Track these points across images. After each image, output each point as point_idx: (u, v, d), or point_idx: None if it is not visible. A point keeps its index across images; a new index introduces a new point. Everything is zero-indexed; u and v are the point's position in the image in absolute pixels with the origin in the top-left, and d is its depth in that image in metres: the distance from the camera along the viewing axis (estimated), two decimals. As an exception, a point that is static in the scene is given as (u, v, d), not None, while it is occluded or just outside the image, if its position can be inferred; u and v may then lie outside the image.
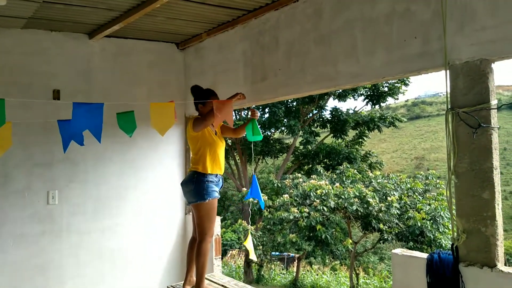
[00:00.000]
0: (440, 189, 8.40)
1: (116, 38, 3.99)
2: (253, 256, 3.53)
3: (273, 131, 14.49)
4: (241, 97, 3.23)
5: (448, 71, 2.20)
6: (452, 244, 2.17)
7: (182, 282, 3.30)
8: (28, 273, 3.54)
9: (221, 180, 3.12)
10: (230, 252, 16.21)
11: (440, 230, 7.51)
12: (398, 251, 2.51)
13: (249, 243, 3.37)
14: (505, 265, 2.05)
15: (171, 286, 3.42)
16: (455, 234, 2.17)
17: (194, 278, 3.17)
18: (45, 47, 3.65)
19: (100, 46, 3.92)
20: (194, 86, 3.25)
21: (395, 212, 7.76)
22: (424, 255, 2.34)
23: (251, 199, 3.67)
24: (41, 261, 3.62)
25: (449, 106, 2.20)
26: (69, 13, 3.26)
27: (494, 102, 2.06)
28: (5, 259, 3.46)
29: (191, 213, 3.27)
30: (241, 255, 15.33)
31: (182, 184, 3.12)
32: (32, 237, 3.58)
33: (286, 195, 8.92)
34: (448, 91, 2.21)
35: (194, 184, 2.97)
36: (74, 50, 3.79)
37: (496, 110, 2.07)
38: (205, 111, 3.11)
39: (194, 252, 3.15)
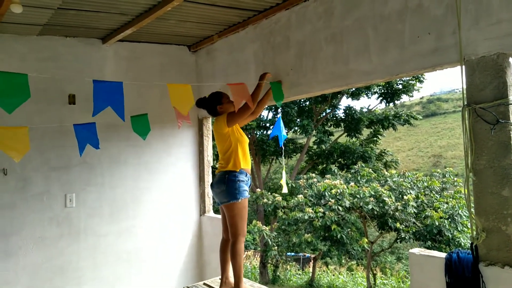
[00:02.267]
0: (458, 187, 8.23)
1: (128, 42, 4.04)
2: (285, 189, 3.68)
3: (286, 131, 14.44)
4: (269, 75, 3.22)
5: (463, 66, 2.16)
6: (472, 243, 2.13)
7: (199, 283, 3.31)
8: (47, 275, 3.62)
9: (250, 180, 3.12)
10: (246, 253, 16.24)
11: (459, 228, 7.35)
12: (416, 250, 2.47)
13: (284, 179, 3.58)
14: (527, 264, 1.99)
15: (187, 287, 3.44)
16: (474, 233, 2.13)
17: (230, 280, 3.17)
18: (60, 52, 3.72)
19: (113, 50, 3.98)
20: (198, 100, 3.23)
21: (412, 211, 7.63)
22: (443, 255, 2.30)
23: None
24: (60, 263, 3.68)
25: (465, 102, 2.15)
26: (82, 19, 3.31)
27: (512, 97, 2.01)
28: (25, 261, 3.53)
29: (221, 215, 3.27)
30: (256, 256, 15.34)
31: (212, 185, 3.11)
32: (51, 240, 3.65)
33: (300, 196, 8.88)
34: (464, 87, 2.17)
35: (226, 184, 2.97)
36: (88, 55, 3.86)
37: (514, 105, 2.02)
38: (226, 108, 3.11)
39: (226, 253, 3.15)
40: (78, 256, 3.77)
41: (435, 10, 2.29)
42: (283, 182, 3.65)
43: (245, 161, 3.07)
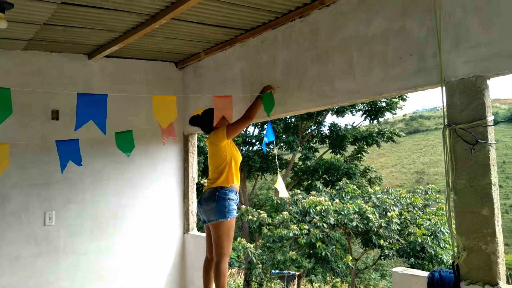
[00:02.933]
0: (440, 204, 8.35)
1: (115, 58, 4.03)
2: (284, 194, 3.59)
3: (272, 147, 14.50)
4: (273, 90, 3.24)
5: (444, 87, 2.22)
6: (453, 262, 2.15)
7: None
8: (24, 296, 3.49)
9: (238, 198, 3.11)
10: (230, 270, 16.00)
11: (441, 245, 7.44)
12: (399, 269, 2.49)
13: (279, 184, 3.50)
14: (507, 283, 2.02)
15: (170, 307, 3.36)
16: (456, 251, 2.15)
17: None
18: (45, 67, 3.69)
19: (100, 66, 3.96)
20: (192, 118, 3.28)
21: (396, 228, 7.70)
22: (425, 274, 2.32)
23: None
24: (37, 283, 3.56)
25: (446, 123, 2.21)
26: (69, 35, 3.30)
27: (490, 118, 2.08)
28: (0, 282, 3.40)
29: (205, 233, 3.22)
30: (240, 273, 15.12)
31: (201, 201, 3.05)
32: (28, 259, 3.54)
33: (285, 212, 8.86)
34: (445, 107, 2.23)
35: (216, 202, 2.93)
36: (74, 71, 3.83)
37: (492, 126, 2.08)
38: (221, 124, 3.12)
39: (210, 273, 3.09)
40: (57, 275, 3.65)
41: (417, 33, 2.37)
42: (278, 183, 3.58)
43: (237, 178, 3.07)
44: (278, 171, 4.15)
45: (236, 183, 3.05)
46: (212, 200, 2.95)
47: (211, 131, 3.15)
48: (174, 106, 2.78)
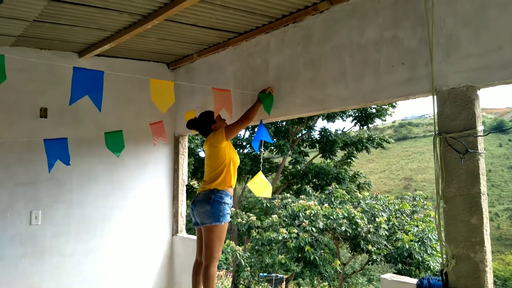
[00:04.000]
0: (428, 211, 8.43)
1: (106, 57, 3.98)
2: (266, 193, 3.38)
3: (262, 150, 14.51)
4: (271, 89, 3.23)
5: (435, 96, 2.24)
6: (442, 270, 2.16)
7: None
8: (6, 297, 3.41)
9: (232, 203, 3.08)
10: (218, 272, 15.90)
11: (428, 252, 7.49)
12: (388, 276, 2.49)
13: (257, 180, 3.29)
14: (494, 291, 2.04)
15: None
16: (445, 259, 2.17)
17: None
18: (34, 65, 3.61)
19: (90, 64, 3.90)
20: (189, 121, 3.24)
21: (384, 234, 7.74)
22: (414, 281, 2.33)
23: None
24: (20, 285, 3.47)
25: (436, 131, 2.23)
26: (59, 32, 3.25)
27: (480, 128, 2.10)
28: (-18, 282, 3.33)
29: (197, 235, 3.19)
30: (228, 276, 15.05)
31: (195, 203, 3.00)
32: (12, 260, 3.46)
33: (275, 216, 8.85)
34: (436, 116, 2.24)
35: (211, 205, 2.89)
36: (63, 69, 3.76)
37: (482, 136, 2.10)
38: (220, 125, 3.12)
39: (199, 276, 3.06)
40: (41, 277, 3.58)
41: (409, 42, 2.39)
42: (255, 180, 3.39)
43: (234, 180, 3.07)
44: (261, 169, 4.02)
45: (232, 186, 3.05)
46: (207, 203, 2.92)
47: (209, 133, 3.13)
48: (171, 91, 2.73)
